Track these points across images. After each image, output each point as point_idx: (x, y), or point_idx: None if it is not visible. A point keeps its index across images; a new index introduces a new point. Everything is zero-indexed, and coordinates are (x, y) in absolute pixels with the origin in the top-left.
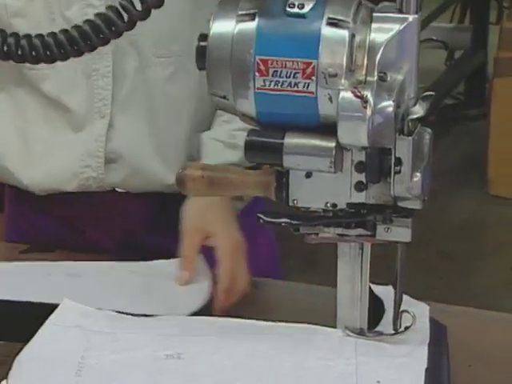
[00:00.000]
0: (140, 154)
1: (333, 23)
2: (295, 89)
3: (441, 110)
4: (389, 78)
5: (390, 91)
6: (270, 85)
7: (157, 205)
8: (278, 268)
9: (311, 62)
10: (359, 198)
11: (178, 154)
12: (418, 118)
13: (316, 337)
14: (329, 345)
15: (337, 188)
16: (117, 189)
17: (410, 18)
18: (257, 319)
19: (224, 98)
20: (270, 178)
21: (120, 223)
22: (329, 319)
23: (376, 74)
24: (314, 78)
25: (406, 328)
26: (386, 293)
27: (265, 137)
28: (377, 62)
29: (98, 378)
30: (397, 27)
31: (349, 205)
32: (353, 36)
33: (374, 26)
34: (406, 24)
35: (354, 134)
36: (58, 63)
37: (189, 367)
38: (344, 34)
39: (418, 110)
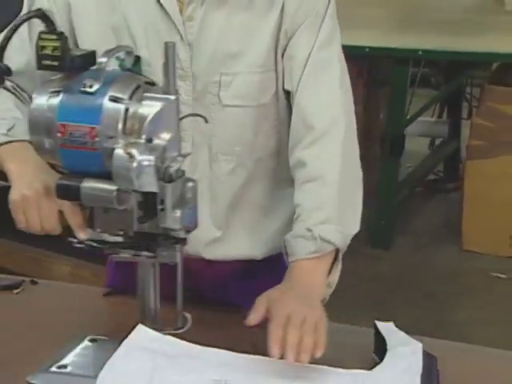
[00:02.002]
0: (201, 227)
1: (113, 99)
2: (85, 146)
3: (425, 183)
4: (154, 141)
5: (155, 150)
6: (68, 142)
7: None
8: None
9: (95, 127)
10: (142, 228)
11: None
12: (179, 170)
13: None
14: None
15: (126, 220)
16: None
17: (171, 97)
18: None
19: (41, 149)
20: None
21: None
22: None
23: (144, 137)
24: (97, 138)
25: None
26: (388, 329)
27: (68, 181)
28: (144, 129)
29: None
30: (160, 104)
31: (136, 233)
32: (127, 109)
33: (144, 102)
34: (167, 102)
35: (125, 181)
36: None
37: None
38: (120, 107)
39: (177, 165)
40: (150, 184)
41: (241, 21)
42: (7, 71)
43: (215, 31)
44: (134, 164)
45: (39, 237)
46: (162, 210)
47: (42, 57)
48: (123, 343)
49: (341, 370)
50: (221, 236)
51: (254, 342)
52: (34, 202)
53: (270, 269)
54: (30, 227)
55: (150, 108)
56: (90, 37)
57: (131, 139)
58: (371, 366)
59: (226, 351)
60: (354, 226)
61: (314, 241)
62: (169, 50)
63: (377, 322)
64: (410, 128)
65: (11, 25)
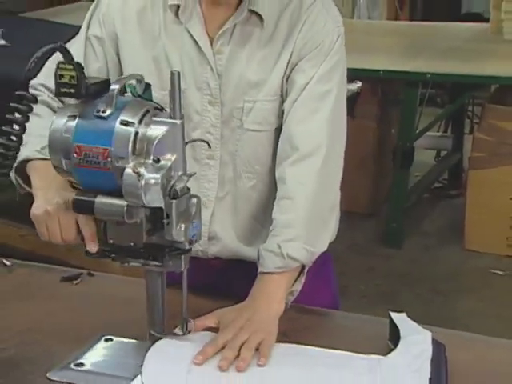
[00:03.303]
0: (226, 235)
1: (124, 123)
2: (98, 166)
3: (431, 190)
4: (161, 162)
5: (161, 170)
6: (83, 162)
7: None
8: (336, 302)
9: (107, 149)
10: (150, 240)
11: (250, 234)
12: (184, 188)
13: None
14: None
15: (135, 233)
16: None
17: (177, 122)
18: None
19: (60, 168)
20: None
21: (213, 276)
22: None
23: (151, 158)
24: (109, 159)
25: None
26: (401, 319)
27: (83, 196)
28: (152, 150)
29: (203, 377)
30: (167, 128)
31: (145, 244)
32: (136, 133)
33: (152, 126)
34: (173, 126)
35: (134, 197)
36: None
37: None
38: (131, 131)
39: (182, 184)
40: (156, 200)
41: (261, 55)
42: (34, 101)
43: (240, 64)
44: (142, 182)
45: None
46: (168, 224)
47: (61, 85)
48: (150, 351)
49: (358, 354)
50: (242, 243)
51: (283, 331)
52: (55, 216)
53: None
54: (52, 238)
55: (157, 131)
56: (133, 65)
57: (140, 159)
58: (386, 352)
59: None
60: (322, 245)
61: (281, 257)
62: (174, 77)
63: (391, 312)
64: (419, 142)
65: (33, 57)
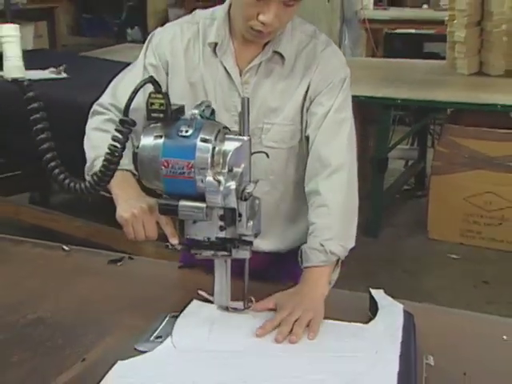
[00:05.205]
0: None
1: (203, 140)
2: (183, 175)
3: (402, 192)
4: (234, 170)
5: (235, 177)
6: (170, 173)
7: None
8: None
9: (190, 162)
10: (221, 234)
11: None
12: (250, 192)
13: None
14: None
15: (209, 229)
16: None
17: (245, 138)
18: None
19: (149, 177)
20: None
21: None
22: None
23: (227, 168)
24: (192, 169)
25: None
26: (378, 294)
27: (168, 201)
28: (227, 162)
29: (223, 335)
30: (238, 143)
31: (216, 238)
32: (214, 148)
33: (226, 142)
34: (243, 142)
35: (214, 200)
36: None
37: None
38: (209, 146)
39: (251, 188)
40: (232, 202)
41: (281, 87)
42: (133, 124)
43: (263, 92)
44: (221, 188)
45: None
46: (240, 221)
47: (152, 111)
48: (182, 314)
49: (344, 322)
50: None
51: None
52: (140, 218)
53: (291, 258)
54: (137, 237)
55: (230, 146)
56: (175, 88)
57: (217, 169)
58: (367, 321)
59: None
60: (352, 242)
61: (324, 253)
62: (244, 102)
63: (371, 289)
64: (391, 153)
65: (134, 88)
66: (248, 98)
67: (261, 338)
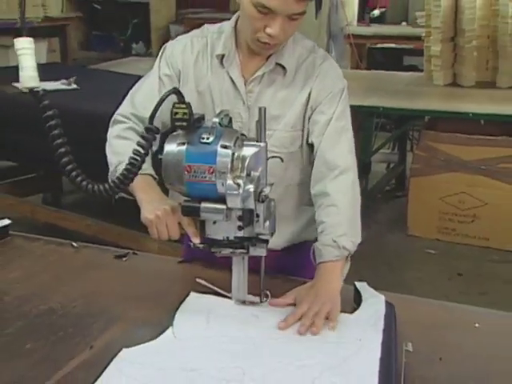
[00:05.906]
0: None
1: (223, 147)
2: (205, 179)
3: (383, 192)
4: (252, 174)
5: (252, 181)
6: (192, 177)
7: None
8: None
9: (212, 166)
10: (239, 233)
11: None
12: (267, 194)
13: None
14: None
15: (228, 229)
16: None
17: (262, 144)
18: None
19: (172, 181)
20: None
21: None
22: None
23: (245, 172)
24: (213, 174)
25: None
26: (362, 286)
27: (191, 203)
28: (246, 166)
29: (221, 326)
30: (255, 149)
31: (235, 237)
32: (233, 153)
33: (244, 148)
34: (260, 148)
35: (233, 202)
36: None
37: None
38: (229, 152)
39: (267, 190)
40: (250, 204)
41: (282, 96)
42: (157, 131)
43: (265, 100)
44: (241, 191)
45: (139, 224)
46: (257, 221)
47: (176, 120)
48: (181, 306)
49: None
50: None
51: (273, 296)
52: (163, 219)
53: (288, 254)
54: (161, 237)
55: (248, 152)
56: (185, 96)
57: (236, 173)
58: (352, 311)
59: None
60: (359, 237)
61: (337, 249)
62: (261, 111)
63: (356, 282)
64: (374, 157)
65: (159, 99)
66: (265, 108)
67: (255, 326)
